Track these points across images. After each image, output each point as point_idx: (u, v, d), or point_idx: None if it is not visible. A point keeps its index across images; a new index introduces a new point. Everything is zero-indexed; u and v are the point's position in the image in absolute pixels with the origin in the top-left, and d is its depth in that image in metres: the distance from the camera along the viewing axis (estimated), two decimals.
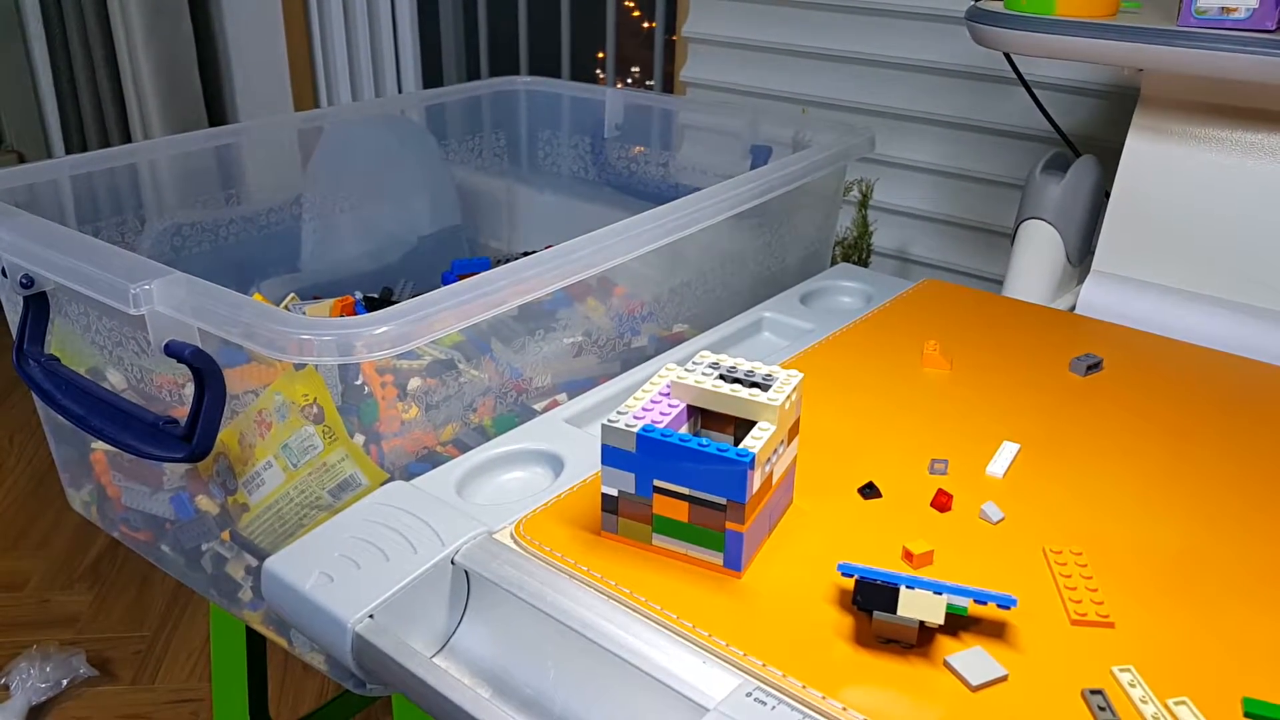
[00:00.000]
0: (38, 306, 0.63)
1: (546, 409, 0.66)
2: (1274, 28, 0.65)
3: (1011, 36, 0.75)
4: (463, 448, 0.61)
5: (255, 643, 0.83)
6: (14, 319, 0.66)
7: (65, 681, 1.21)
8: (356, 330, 0.48)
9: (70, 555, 1.47)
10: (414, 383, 0.60)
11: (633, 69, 1.79)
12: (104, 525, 0.72)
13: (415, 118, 1.08)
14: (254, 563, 0.61)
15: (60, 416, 0.68)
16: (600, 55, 1.81)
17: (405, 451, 0.58)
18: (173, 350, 0.51)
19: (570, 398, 0.65)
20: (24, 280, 0.61)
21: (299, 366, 0.53)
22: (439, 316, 0.52)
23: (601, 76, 1.81)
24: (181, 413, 0.55)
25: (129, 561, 1.46)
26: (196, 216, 0.89)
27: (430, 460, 0.59)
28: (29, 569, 1.44)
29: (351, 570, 0.46)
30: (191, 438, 0.53)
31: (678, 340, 0.76)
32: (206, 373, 0.52)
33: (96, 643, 1.30)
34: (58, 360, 0.63)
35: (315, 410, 0.54)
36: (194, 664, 1.27)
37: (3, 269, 0.62)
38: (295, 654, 0.61)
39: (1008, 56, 0.91)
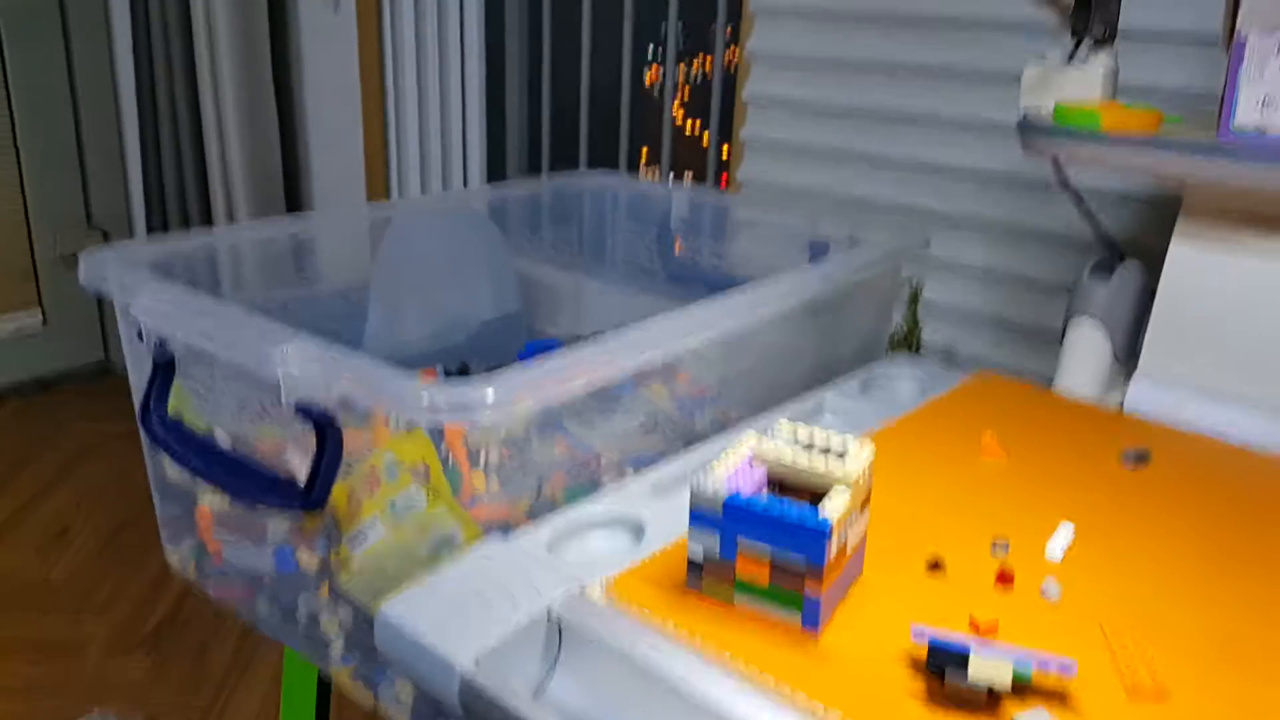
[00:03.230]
0: (166, 369, 0.69)
1: (614, 483, 0.70)
2: None
3: (1059, 147, 0.80)
4: (535, 518, 0.65)
5: (323, 705, 0.86)
6: (139, 381, 0.72)
7: None
8: (473, 393, 0.53)
9: (131, 622, 1.52)
10: (491, 455, 0.65)
11: (685, 170, 1.87)
12: (199, 581, 0.77)
13: (485, 210, 1.14)
14: (349, 618, 0.65)
15: (171, 473, 0.74)
16: (644, 151, 1.90)
17: (481, 520, 0.62)
18: (302, 409, 0.57)
19: (635, 473, 0.69)
20: (158, 343, 0.67)
21: (411, 426, 0.58)
22: (550, 380, 0.56)
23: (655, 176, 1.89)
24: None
25: (189, 629, 1.50)
26: (267, 294, 0.94)
27: (505, 530, 0.63)
28: (90, 634, 1.49)
29: (458, 618, 0.50)
30: (310, 490, 0.58)
31: (735, 424, 0.80)
32: (329, 430, 0.57)
33: (153, 709, 1.33)
34: (180, 418, 0.68)
35: (423, 469, 0.58)
36: None
37: (139, 332, 0.68)
38: (379, 710, 0.65)
39: (1055, 165, 0.96)
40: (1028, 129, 0.82)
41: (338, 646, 0.66)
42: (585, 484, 0.71)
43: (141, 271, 0.71)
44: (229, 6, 2.08)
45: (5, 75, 2.22)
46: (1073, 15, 0.78)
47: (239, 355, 0.59)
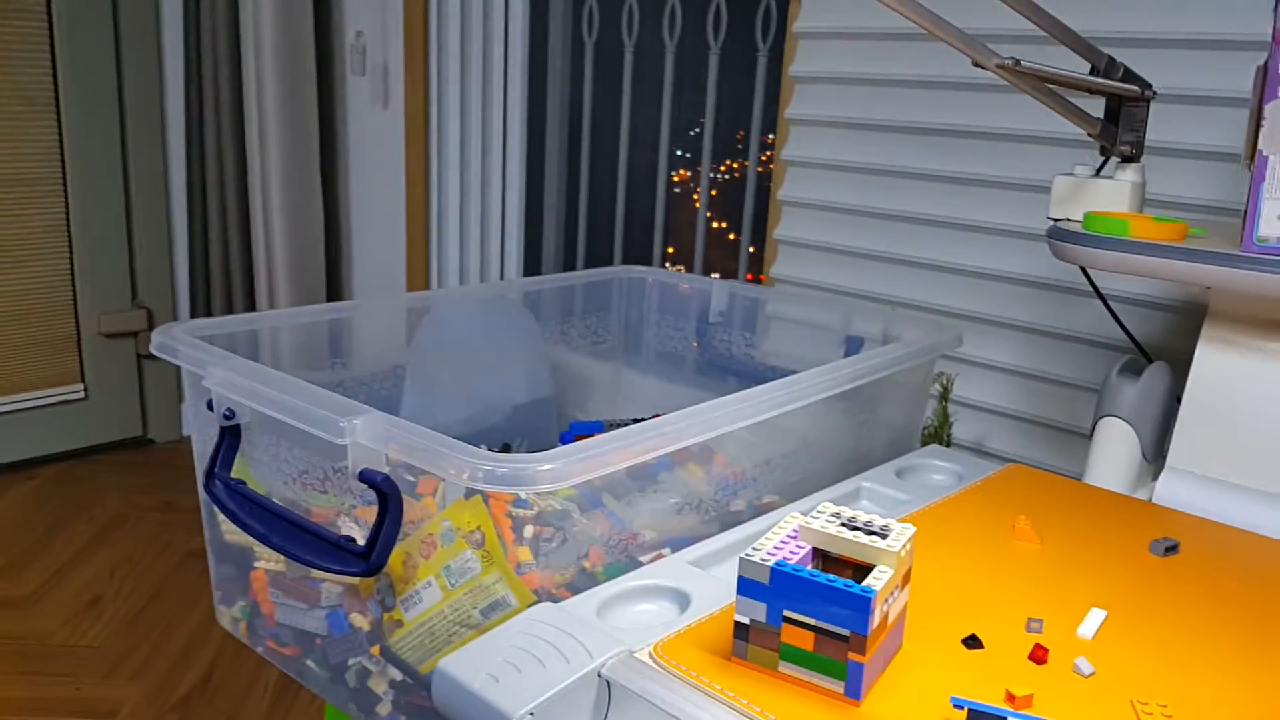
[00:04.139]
0: (232, 436, 0.73)
1: (651, 561, 0.73)
2: None
3: (1089, 254, 0.84)
4: (576, 592, 0.67)
5: None
6: (204, 449, 0.76)
7: None
8: (531, 466, 0.57)
9: (162, 688, 1.53)
10: (528, 530, 0.68)
11: (710, 269, 1.93)
12: (250, 641, 0.79)
13: (530, 302, 1.19)
14: (397, 677, 0.67)
15: (228, 536, 0.77)
16: (670, 250, 1.96)
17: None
18: (366, 477, 0.60)
19: (673, 553, 0.72)
20: (227, 413, 0.71)
21: (469, 495, 0.61)
22: (603, 457, 0.60)
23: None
24: None
25: (218, 697, 1.51)
26: (302, 376, 0.97)
27: (548, 600, 0.65)
28: (122, 698, 1.50)
29: (513, 673, 0.52)
30: (369, 555, 0.61)
31: (770, 508, 0.82)
32: (391, 497, 0.60)
33: None
34: (244, 483, 0.72)
35: (478, 536, 0.61)
36: None
37: (209, 402, 0.73)
38: None
39: (1084, 271, 1.00)
40: (1058, 236, 0.86)
41: (385, 705, 0.68)
42: (623, 560, 0.74)
43: (210, 345, 0.76)
44: (281, 100, 2.19)
45: (63, 158, 2.34)
46: (1101, 132, 0.83)
47: (310, 425, 0.63)
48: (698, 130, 1.91)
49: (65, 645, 1.63)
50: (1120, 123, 0.84)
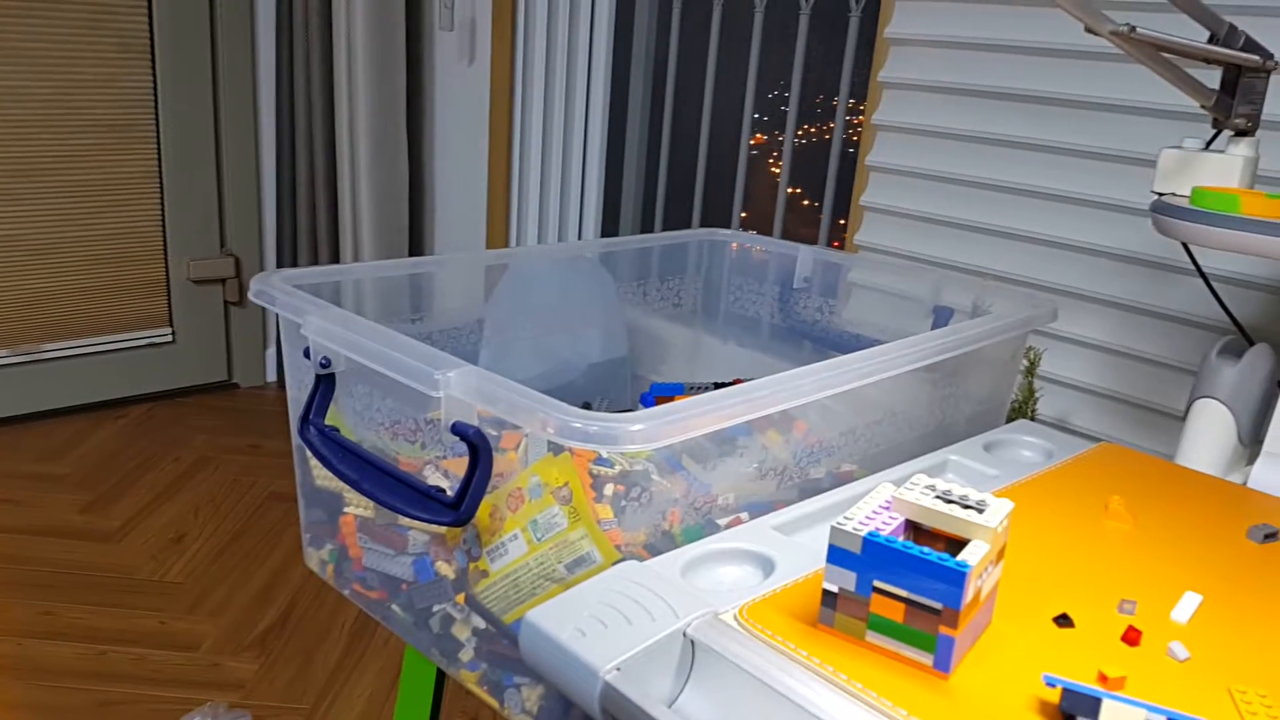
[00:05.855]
0: (327, 384, 0.75)
1: (729, 525, 0.73)
2: None
3: (1194, 230, 0.81)
4: (654, 551, 0.68)
5: (436, 704, 0.90)
6: (299, 395, 0.78)
7: None
8: (622, 425, 0.57)
9: (241, 624, 1.59)
10: (608, 488, 0.68)
11: (786, 234, 1.91)
12: (337, 583, 0.82)
13: (608, 263, 1.19)
14: (480, 625, 0.69)
15: (319, 481, 0.79)
16: (744, 215, 1.94)
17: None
18: (459, 429, 0.61)
19: (751, 517, 0.71)
20: (323, 361, 0.73)
21: (557, 451, 0.62)
22: (689, 421, 0.60)
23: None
24: None
25: (295, 637, 1.56)
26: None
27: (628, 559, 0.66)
28: (203, 633, 1.56)
29: (600, 629, 0.53)
30: (459, 505, 0.62)
31: (850, 477, 0.82)
32: (482, 450, 0.61)
33: (258, 709, 1.39)
34: (337, 430, 0.74)
35: (565, 492, 0.62)
36: None
37: (306, 350, 0.74)
38: (504, 715, 0.68)
39: (1186, 248, 0.97)
40: (1163, 211, 0.83)
41: (468, 652, 0.69)
42: (701, 523, 0.74)
43: (308, 294, 0.78)
44: (370, 56, 2.21)
45: (156, 106, 2.39)
46: (1216, 103, 0.80)
47: (404, 377, 0.64)
48: (774, 94, 1.88)
49: (150, 580, 1.70)
50: (1237, 94, 0.80)
